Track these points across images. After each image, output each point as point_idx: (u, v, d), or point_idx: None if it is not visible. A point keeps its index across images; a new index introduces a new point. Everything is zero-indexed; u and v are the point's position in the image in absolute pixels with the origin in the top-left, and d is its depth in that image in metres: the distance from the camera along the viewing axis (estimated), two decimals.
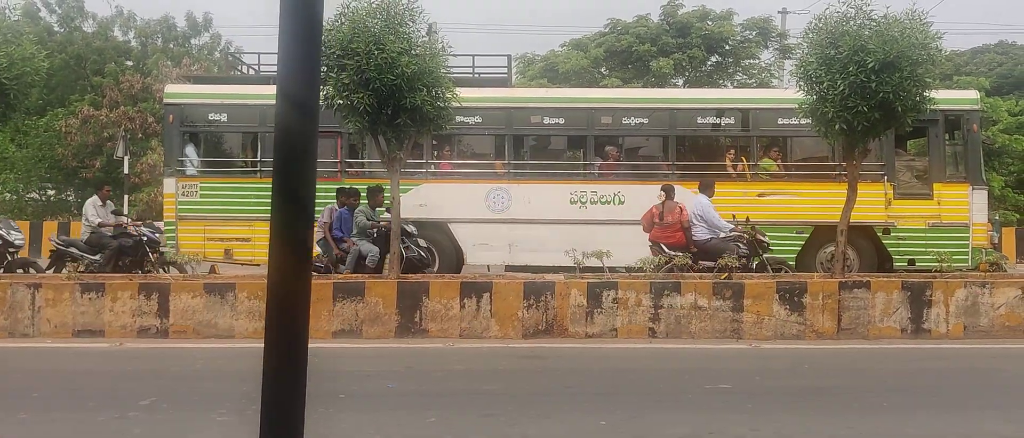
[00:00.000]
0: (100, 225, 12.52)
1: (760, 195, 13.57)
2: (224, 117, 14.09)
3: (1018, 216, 23.16)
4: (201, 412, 6.35)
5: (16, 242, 12.46)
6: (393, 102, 9.78)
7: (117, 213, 13.32)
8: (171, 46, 29.52)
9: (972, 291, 10.06)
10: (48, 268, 12.23)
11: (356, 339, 9.59)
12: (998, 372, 8.47)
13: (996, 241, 15.99)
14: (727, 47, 28.77)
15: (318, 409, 6.31)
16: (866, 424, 6.10)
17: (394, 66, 9.52)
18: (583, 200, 13.79)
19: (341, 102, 9.95)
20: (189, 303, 9.76)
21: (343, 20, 9.84)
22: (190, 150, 14.22)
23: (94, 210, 12.64)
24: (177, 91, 14.90)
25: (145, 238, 12.45)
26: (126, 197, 21.10)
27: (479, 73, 15.12)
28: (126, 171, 20.47)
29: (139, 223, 13.15)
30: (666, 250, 11.81)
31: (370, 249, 11.87)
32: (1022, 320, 10.03)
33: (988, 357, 9.10)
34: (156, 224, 13.53)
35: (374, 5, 9.81)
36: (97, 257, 12.04)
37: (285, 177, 1.38)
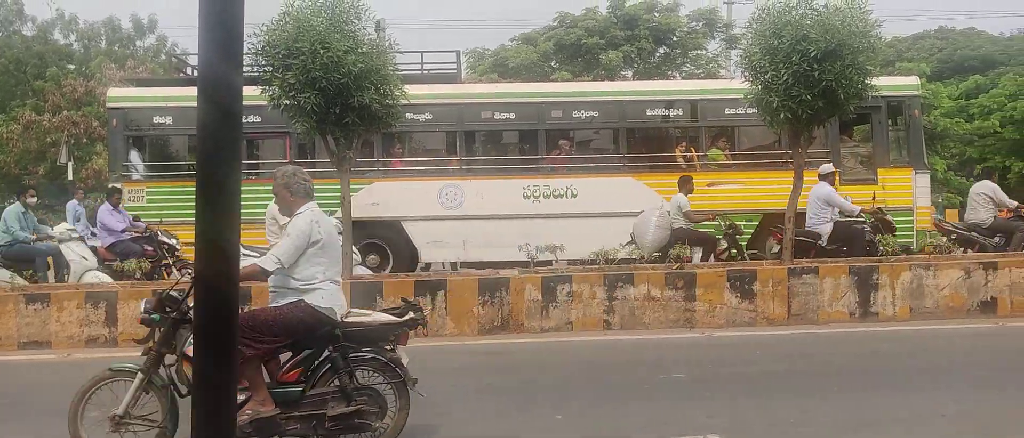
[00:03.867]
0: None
1: (710, 185, 13.72)
2: (169, 120, 13.84)
3: (961, 199, 23.72)
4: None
5: (176, 245, 12.25)
6: (340, 101, 9.68)
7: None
8: (115, 49, 28.93)
9: (917, 274, 10.29)
10: None
11: None
12: (944, 352, 8.67)
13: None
14: (675, 38, 29.05)
15: None
16: (818, 407, 6.21)
17: (340, 65, 9.43)
18: (536, 194, 13.82)
19: (288, 102, 9.84)
20: (138, 311, 9.55)
21: (287, 19, 9.71)
22: (135, 155, 13.96)
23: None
24: (121, 95, 14.61)
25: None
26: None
27: (428, 70, 15.06)
28: (70, 177, 20.01)
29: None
30: None
31: None
32: (965, 300, 10.28)
33: (934, 338, 9.31)
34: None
35: (319, 4, 9.68)
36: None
37: (209, 178, 1.35)
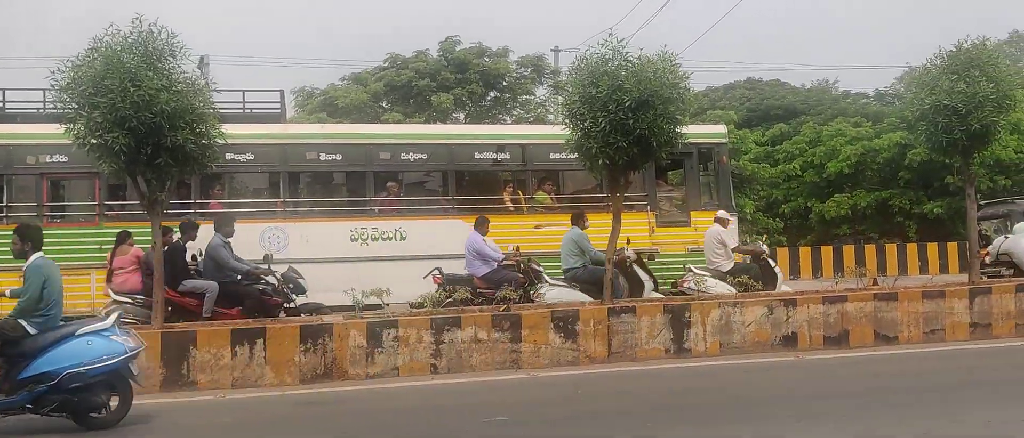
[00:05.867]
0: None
1: (536, 227, 14.02)
2: None
3: (769, 240, 25.32)
4: None
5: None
6: (153, 141, 9.22)
7: None
8: None
9: (725, 311, 10.88)
10: None
11: None
12: (748, 385, 9.18)
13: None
14: (504, 83, 29.63)
15: None
16: None
17: (152, 103, 8.99)
18: (364, 237, 13.67)
19: (94, 142, 9.28)
20: None
21: (95, 55, 9.20)
22: None
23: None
24: None
25: None
26: None
27: (251, 108, 14.67)
28: None
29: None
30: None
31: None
32: (769, 336, 10.95)
33: (741, 372, 9.85)
34: None
35: (130, 40, 9.23)
36: None
37: None
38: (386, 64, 29.29)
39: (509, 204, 14.35)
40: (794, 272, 22.46)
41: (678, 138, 10.59)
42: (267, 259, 11.78)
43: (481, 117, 28.26)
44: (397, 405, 8.53)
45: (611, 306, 10.66)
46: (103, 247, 12.67)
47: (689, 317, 10.70)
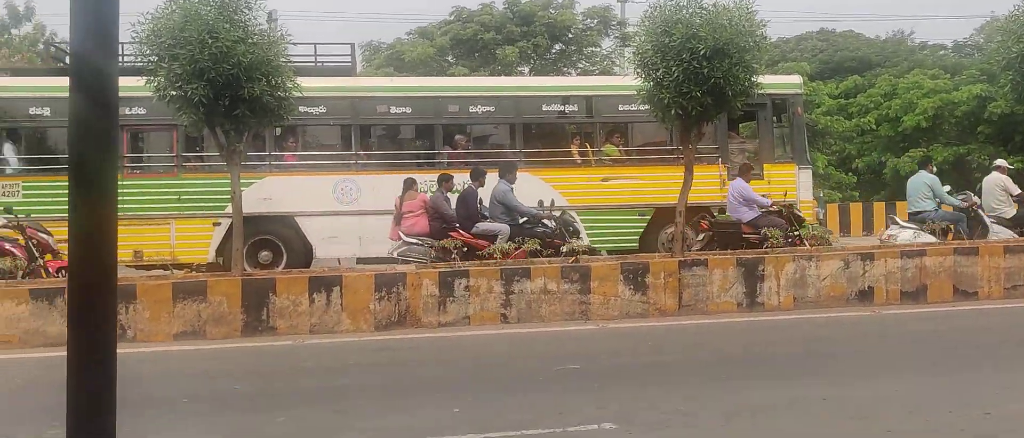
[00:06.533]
0: None
1: (604, 180, 13.95)
2: (47, 111, 13.18)
3: (841, 195, 24.84)
4: (28, 428, 5.93)
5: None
6: (230, 93, 9.41)
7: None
8: None
9: (800, 265, 10.72)
10: None
11: (200, 340, 9.19)
12: (824, 340, 9.07)
13: (822, 217, 17.16)
14: (570, 35, 29.39)
15: (158, 414, 6.04)
16: (706, 396, 6.41)
17: (230, 55, 9.16)
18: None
19: (174, 93, 9.50)
20: (13, 311, 9.08)
21: (174, 7, 9.38)
22: (8, 147, 13.23)
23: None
24: None
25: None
26: None
27: (322, 62, 14.78)
28: None
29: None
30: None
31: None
32: (845, 289, 10.77)
33: (815, 326, 9.73)
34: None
35: None
36: None
37: (83, 173, 1.29)
38: (451, 17, 29.28)
39: (577, 157, 14.29)
40: (868, 227, 21.99)
41: (754, 88, 10.40)
42: (541, 205, 12.23)
43: (546, 70, 28.14)
44: (470, 353, 8.66)
45: (682, 258, 10.59)
46: (182, 198, 13.06)
47: (762, 270, 10.58)
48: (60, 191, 12.63)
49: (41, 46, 27.36)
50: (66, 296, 9.09)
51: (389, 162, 14.02)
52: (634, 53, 10.79)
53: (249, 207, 11.43)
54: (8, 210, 11.41)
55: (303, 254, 13.43)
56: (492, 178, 12.37)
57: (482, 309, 9.97)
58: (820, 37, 35.57)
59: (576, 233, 12.20)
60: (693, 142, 11.07)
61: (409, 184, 12.37)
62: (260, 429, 5.81)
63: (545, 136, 14.80)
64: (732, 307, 10.46)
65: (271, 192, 13.17)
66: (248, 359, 8.39)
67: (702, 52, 9.73)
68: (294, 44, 11.02)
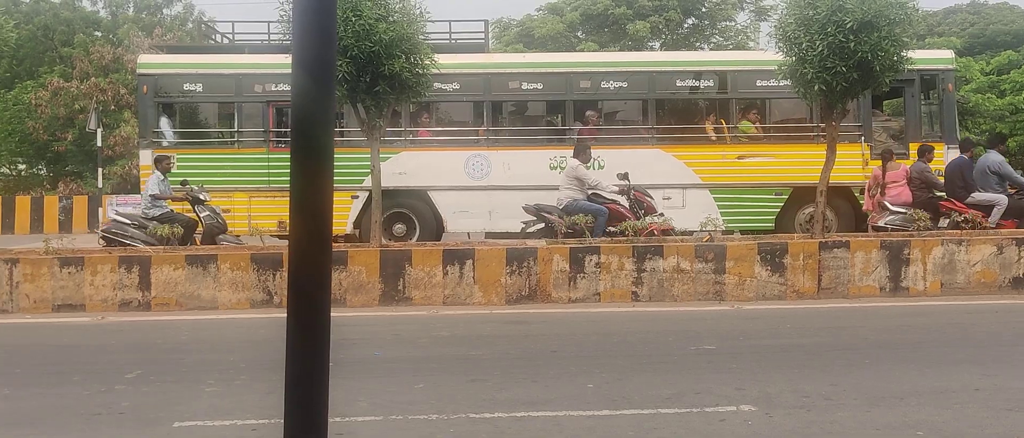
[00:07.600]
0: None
1: (739, 157, 13.64)
2: (200, 87, 13.92)
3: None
4: (189, 384, 6.34)
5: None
6: (371, 70, 9.70)
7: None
8: (142, 16, 29.03)
9: (949, 249, 10.21)
10: None
11: (340, 308, 9.56)
12: (974, 327, 8.61)
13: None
14: (703, 9, 28.77)
15: None
16: (848, 380, 6.20)
17: (371, 33, 9.43)
18: (563, 165, 13.77)
19: None
20: (171, 275, 9.70)
21: None
22: (165, 121, 14.05)
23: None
24: (151, 61, 14.68)
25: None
26: (100, 170, 20.83)
27: (456, 39, 15.01)
28: (99, 144, 20.18)
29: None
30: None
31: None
32: (997, 276, 10.19)
33: (965, 313, 9.25)
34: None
35: None
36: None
37: (304, 147, 1.37)
38: None
39: (712, 134, 14.01)
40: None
41: (903, 63, 9.92)
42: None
43: (677, 45, 27.64)
44: (601, 329, 8.66)
45: (823, 240, 10.26)
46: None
47: (908, 254, 10.13)
48: (211, 163, 13.37)
49: (190, 25, 28.88)
50: (219, 263, 9.66)
51: (520, 138, 14.12)
52: (775, 26, 10.45)
53: (385, 181, 11.75)
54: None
55: (435, 227, 13.74)
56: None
57: (612, 286, 9.96)
58: (970, 9, 33.59)
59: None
60: (836, 119, 10.67)
61: (888, 155, 12.44)
62: (401, 394, 6.00)
63: (678, 112, 14.58)
64: (874, 291, 10.07)
65: (406, 167, 13.51)
66: (386, 327, 8.67)
67: (849, 25, 9.34)
68: (430, 21, 11.23)
